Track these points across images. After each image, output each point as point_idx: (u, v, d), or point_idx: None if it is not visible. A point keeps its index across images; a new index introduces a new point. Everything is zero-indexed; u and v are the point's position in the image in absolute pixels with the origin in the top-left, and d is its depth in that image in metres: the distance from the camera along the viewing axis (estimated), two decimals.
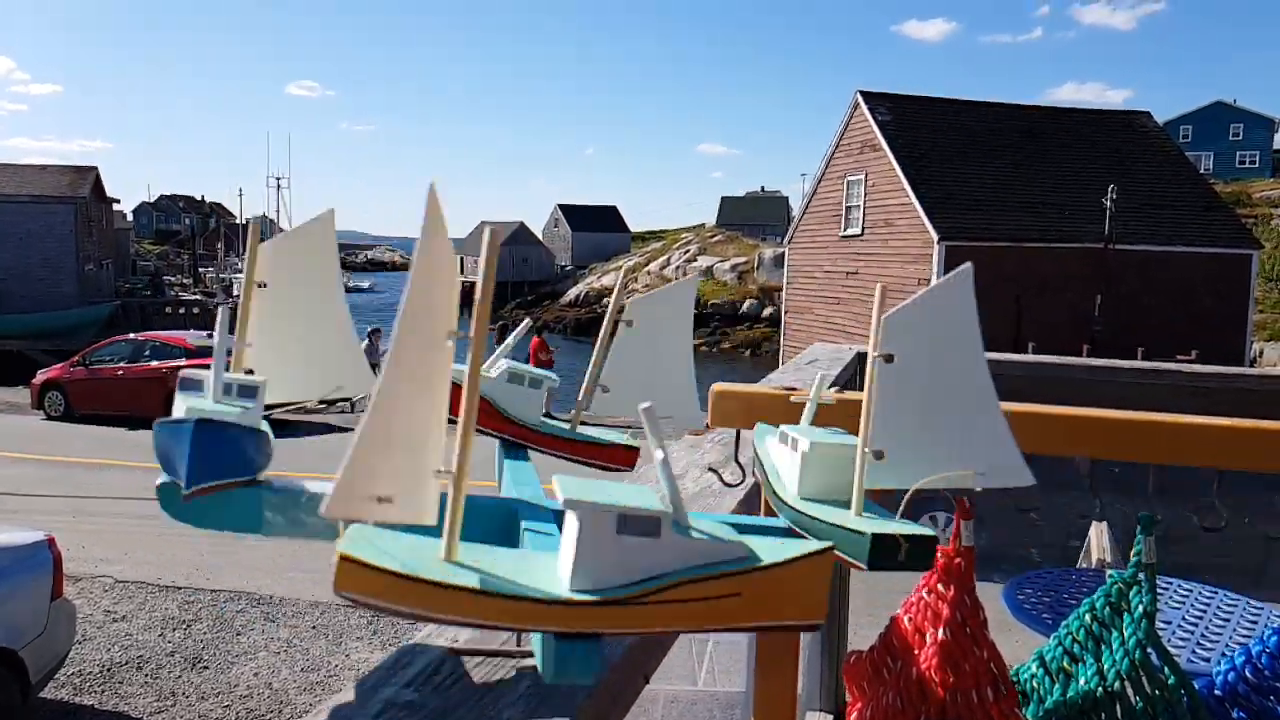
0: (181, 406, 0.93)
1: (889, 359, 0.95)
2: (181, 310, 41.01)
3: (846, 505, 0.90)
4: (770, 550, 0.72)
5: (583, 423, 1.21)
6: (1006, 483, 0.97)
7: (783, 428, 1.03)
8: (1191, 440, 1.36)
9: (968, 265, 0.98)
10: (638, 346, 1.22)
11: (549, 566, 0.69)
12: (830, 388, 1.93)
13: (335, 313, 1.12)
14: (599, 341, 1.21)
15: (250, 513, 0.93)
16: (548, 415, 1.19)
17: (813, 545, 0.73)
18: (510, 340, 1.23)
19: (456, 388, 1.10)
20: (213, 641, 7.18)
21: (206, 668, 6.76)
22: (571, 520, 0.67)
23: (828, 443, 0.95)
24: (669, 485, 0.71)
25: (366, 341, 18.31)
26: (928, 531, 0.82)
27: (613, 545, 0.66)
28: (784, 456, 1.02)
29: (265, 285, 1.05)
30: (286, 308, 1.07)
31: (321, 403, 1.15)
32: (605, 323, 1.22)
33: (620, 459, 1.20)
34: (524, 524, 0.87)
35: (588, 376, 1.22)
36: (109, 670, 6.69)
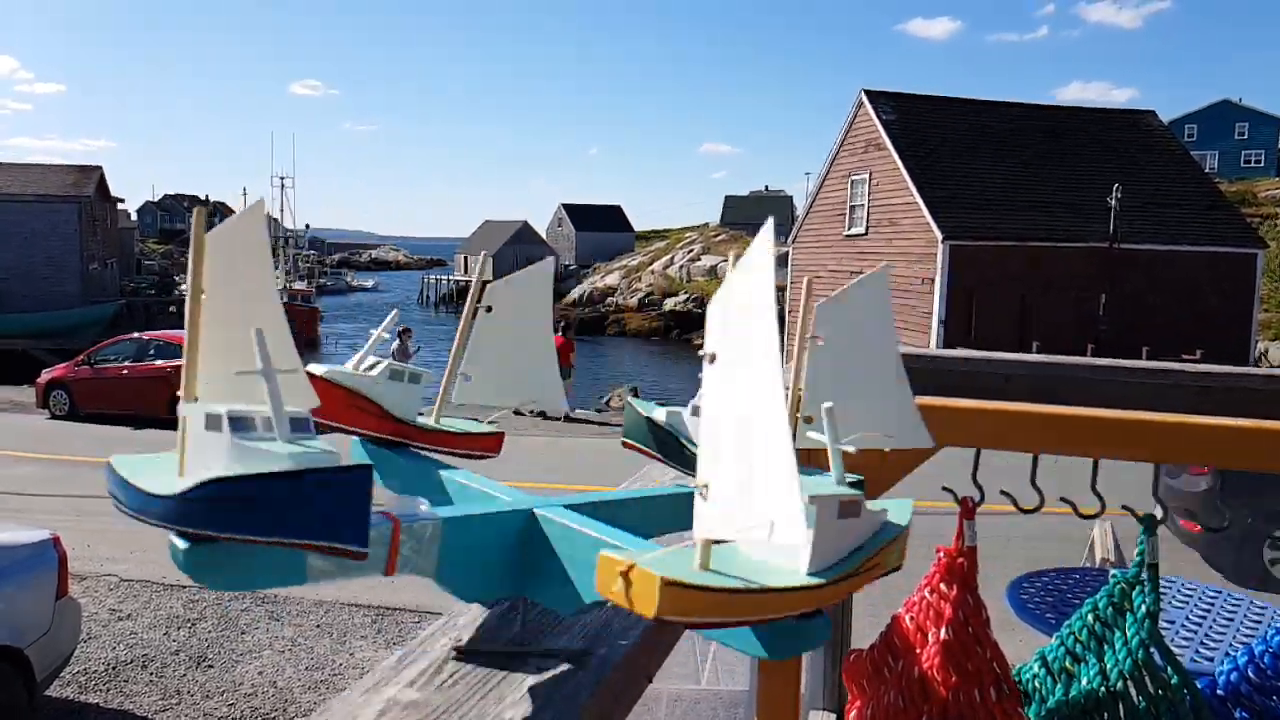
0: (254, 453, 0.76)
1: (818, 340, 1.09)
2: (174, 310, 41.04)
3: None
4: (895, 513, 0.86)
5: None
6: (910, 444, 1.10)
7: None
8: (1199, 441, 1.36)
9: (884, 267, 1.14)
10: (498, 332, 1.23)
11: (767, 558, 0.74)
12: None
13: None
14: (460, 329, 1.20)
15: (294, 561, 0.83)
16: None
17: (908, 507, 0.88)
18: (379, 333, 1.20)
19: (331, 386, 1.12)
20: (217, 640, 7.19)
21: (211, 666, 6.77)
22: (809, 512, 0.71)
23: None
24: (838, 470, 0.84)
25: (397, 341, 18.31)
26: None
27: (836, 529, 0.76)
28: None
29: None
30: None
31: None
32: (465, 310, 1.21)
33: (489, 446, 1.24)
34: (568, 524, 0.88)
35: (449, 366, 1.21)
36: (114, 669, 6.70)
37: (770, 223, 0.77)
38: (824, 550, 0.74)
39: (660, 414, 1.22)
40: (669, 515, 1.08)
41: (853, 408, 1.01)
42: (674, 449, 1.18)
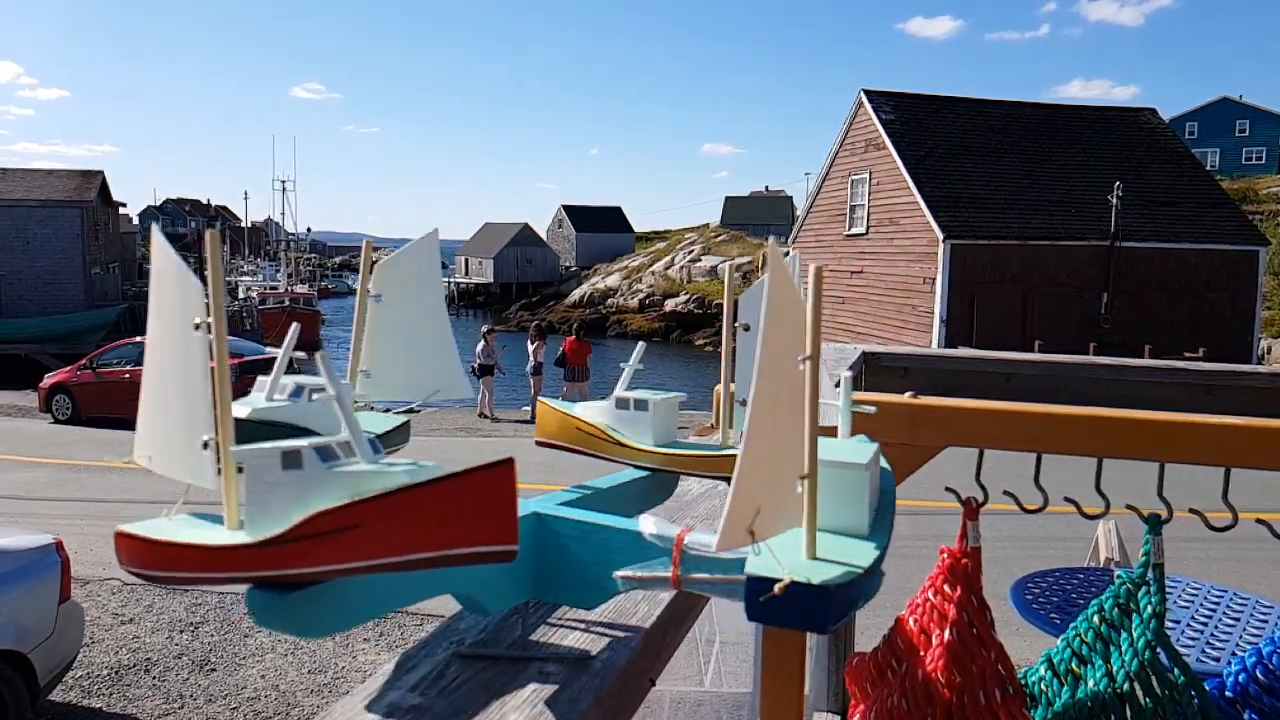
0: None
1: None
2: None
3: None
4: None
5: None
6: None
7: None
8: (1203, 439, 1.35)
9: (792, 255, 1.14)
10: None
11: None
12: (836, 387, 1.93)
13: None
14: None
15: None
16: None
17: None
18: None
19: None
20: (220, 644, 7.19)
21: (214, 670, 6.77)
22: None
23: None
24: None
25: (482, 344, 18.29)
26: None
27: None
28: None
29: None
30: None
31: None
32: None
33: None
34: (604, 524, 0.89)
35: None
36: (117, 673, 6.70)
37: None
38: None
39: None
40: (642, 496, 1.17)
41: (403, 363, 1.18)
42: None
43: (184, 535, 0.72)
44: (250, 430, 0.97)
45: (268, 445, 0.72)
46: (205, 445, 0.78)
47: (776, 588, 0.66)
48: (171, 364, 0.81)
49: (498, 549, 0.67)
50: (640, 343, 1.40)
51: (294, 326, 1.21)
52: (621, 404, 1.20)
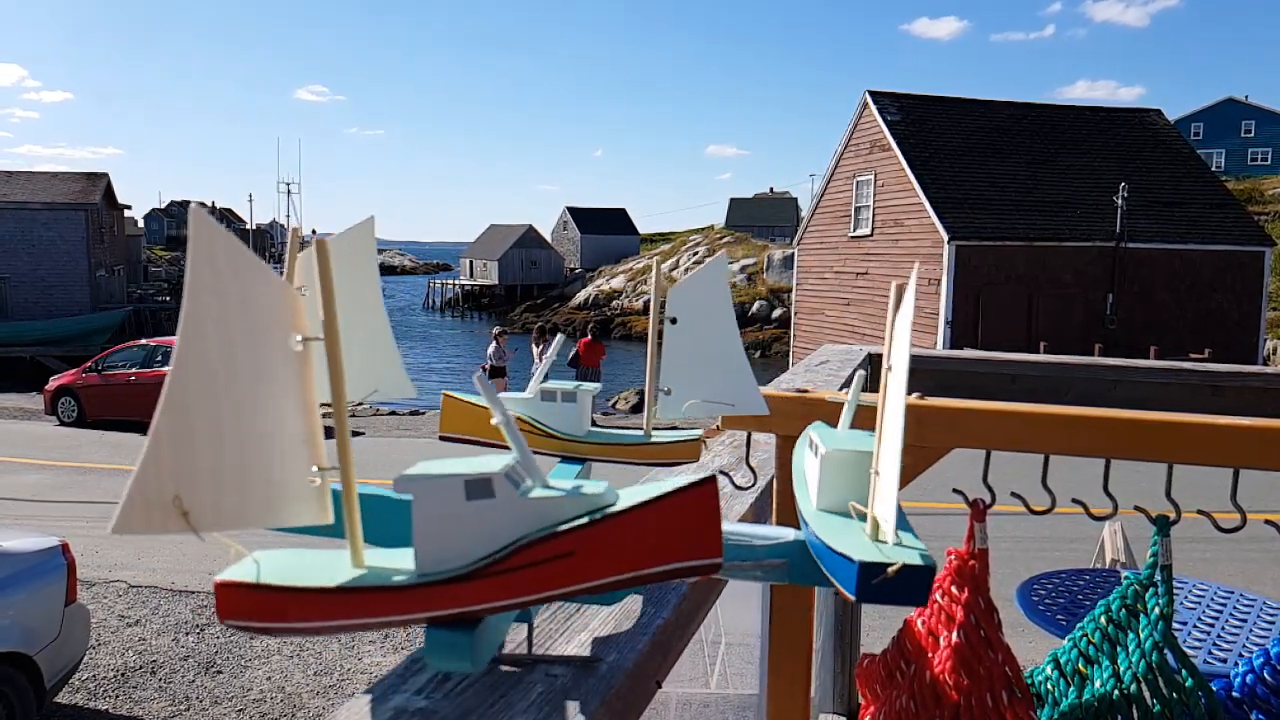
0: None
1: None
2: None
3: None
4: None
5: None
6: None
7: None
8: (1211, 440, 1.35)
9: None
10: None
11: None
12: (840, 389, 1.92)
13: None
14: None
15: None
16: None
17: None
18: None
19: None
20: (226, 646, 7.20)
21: (220, 672, 6.78)
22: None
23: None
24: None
25: (493, 345, 18.30)
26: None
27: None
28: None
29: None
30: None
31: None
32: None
33: None
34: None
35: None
36: (123, 675, 6.71)
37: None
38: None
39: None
40: None
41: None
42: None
43: (321, 578, 0.66)
44: None
45: (441, 473, 0.68)
46: (318, 477, 0.71)
47: (890, 570, 0.71)
48: (266, 390, 0.68)
49: (705, 563, 0.68)
50: (560, 334, 1.40)
51: None
52: (548, 395, 1.19)
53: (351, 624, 0.66)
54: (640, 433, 1.24)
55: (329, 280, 0.67)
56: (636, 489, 0.71)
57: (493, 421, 0.72)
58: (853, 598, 0.73)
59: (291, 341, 0.69)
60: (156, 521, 0.61)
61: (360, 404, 1.12)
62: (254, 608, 0.65)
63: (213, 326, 0.63)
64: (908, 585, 0.71)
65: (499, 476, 0.67)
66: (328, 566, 0.68)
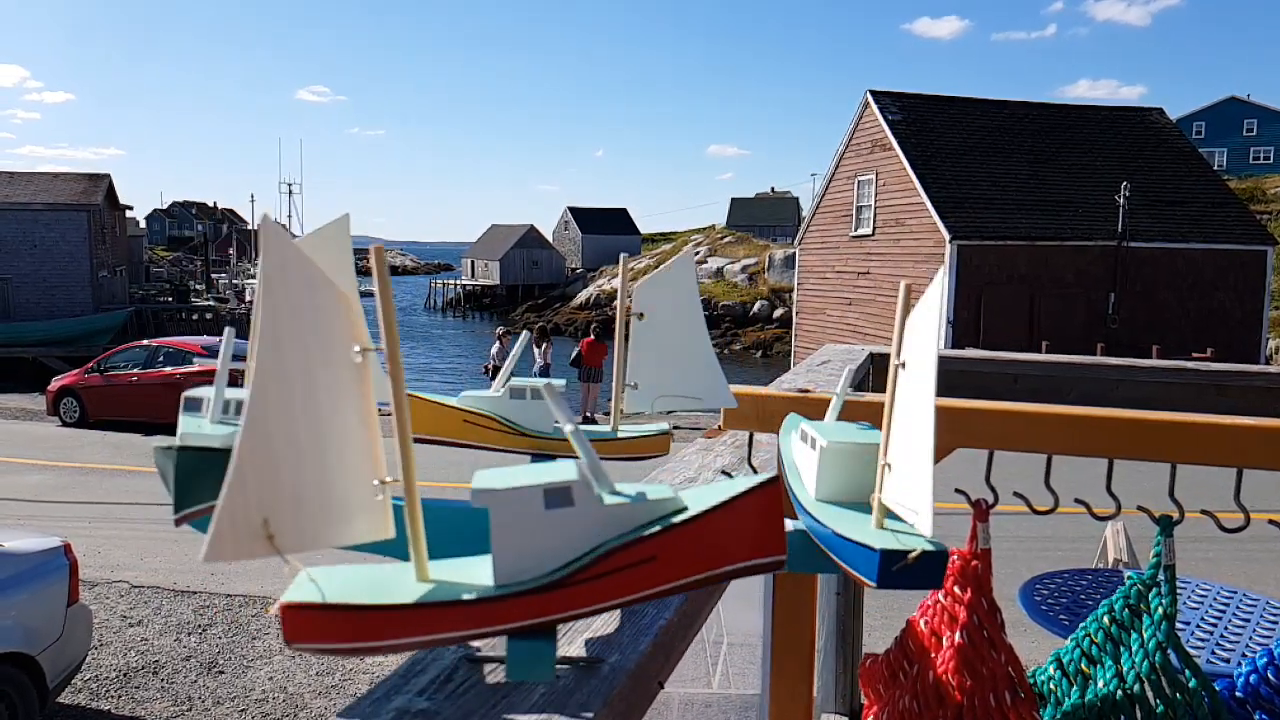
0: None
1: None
2: (195, 316, 41.22)
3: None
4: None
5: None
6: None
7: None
8: (1214, 440, 1.34)
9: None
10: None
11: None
12: None
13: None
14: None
15: None
16: None
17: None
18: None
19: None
20: (228, 646, 7.20)
21: (222, 672, 6.78)
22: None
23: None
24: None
25: (496, 345, 18.28)
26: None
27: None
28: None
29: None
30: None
31: None
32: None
33: None
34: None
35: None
36: (125, 675, 6.71)
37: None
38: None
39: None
40: None
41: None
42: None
43: (392, 594, 0.65)
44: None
45: (520, 483, 0.67)
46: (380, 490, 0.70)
47: (910, 557, 0.74)
48: (336, 404, 0.67)
49: (771, 560, 0.69)
50: (525, 331, 1.40)
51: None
52: (517, 393, 1.19)
53: (430, 640, 0.65)
54: (607, 428, 1.25)
55: (387, 287, 0.65)
56: (700, 491, 0.72)
57: (566, 431, 0.71)
58: (873, 584, 0.75)
59: (353, 353, 0.68)
60: (245, 548, 0.60)
61: None
62: (328, 629, 0.63)
63: (288, 342, 0.62)
64: (924, 570, 0.75)
65: (579, 484, 0.67)
66: (391, 582, 0.66)
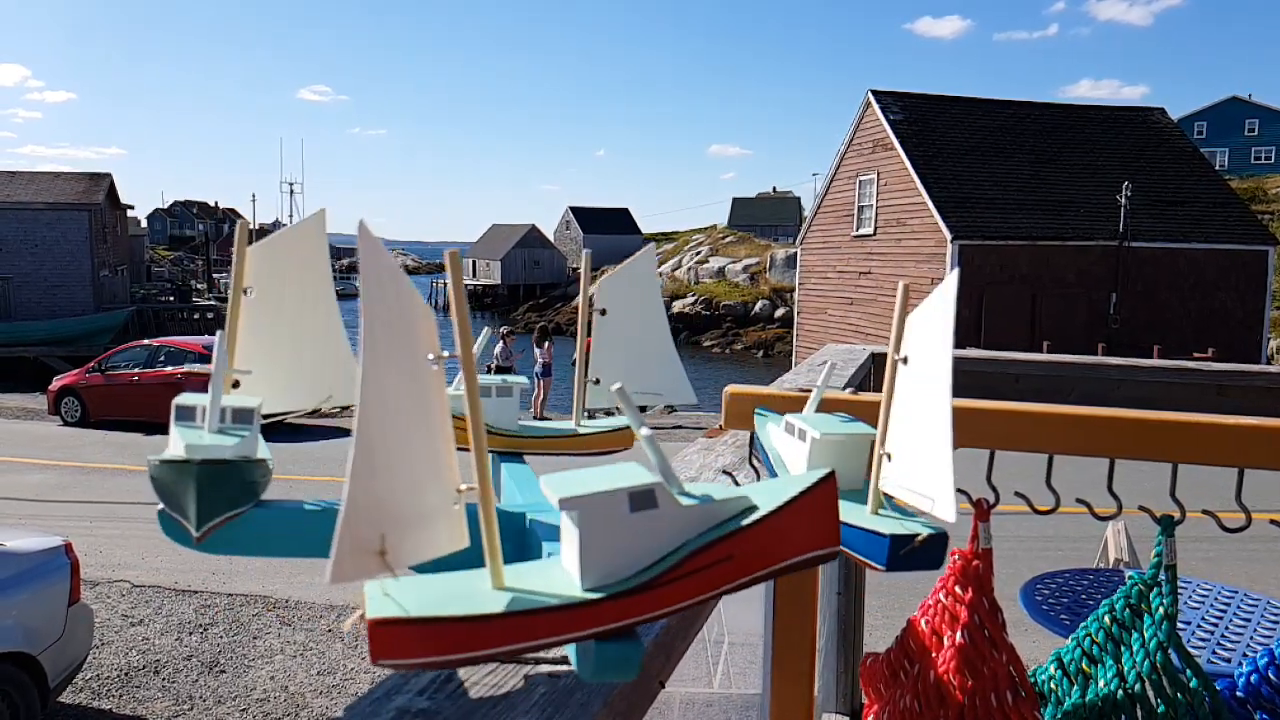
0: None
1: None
2: (196, 316, 41.25)
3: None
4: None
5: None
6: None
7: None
8: (1216, 440, 1.34)
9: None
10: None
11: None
12: (845, 388, 1.92)
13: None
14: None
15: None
16: None
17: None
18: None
19: None
20: (229, 645, 7.20)
21: (223, 671, 6.78)
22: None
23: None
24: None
25: (500, 344, 18.25)
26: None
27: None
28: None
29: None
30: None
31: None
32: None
33: None
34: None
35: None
36: (126, 674, 6.72)
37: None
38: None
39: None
40: None
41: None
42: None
43: (478, 604, 0.63)
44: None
45: (604, 488, 0.66)
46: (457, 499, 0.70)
47: (917, 540, 0.80)
48: (423, 415, 0.67)
49: (828, 551, 0.72)
50: (485, 328, 1.36)
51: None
52: (483, 391, 1.17)
53: (521, 648, 0.64)
54: (570, 425, 1.25)
55: (461, 293, 0.64)
56: (756, 488, 0.74)
57: (641, 435, 0.72)
58: (883, 568, 0.80)
59: (430, 361, 0.68)
60: (364, 567, 0.60)
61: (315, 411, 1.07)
62: (419, 644, 0.61)
63: (387, 355, 0.62)
64: (928, 552, 0.81)
65: (661, 487, 0.67)
66: (470, 591, 0.65)
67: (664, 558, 0.67)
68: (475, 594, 0.64)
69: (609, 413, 1.29)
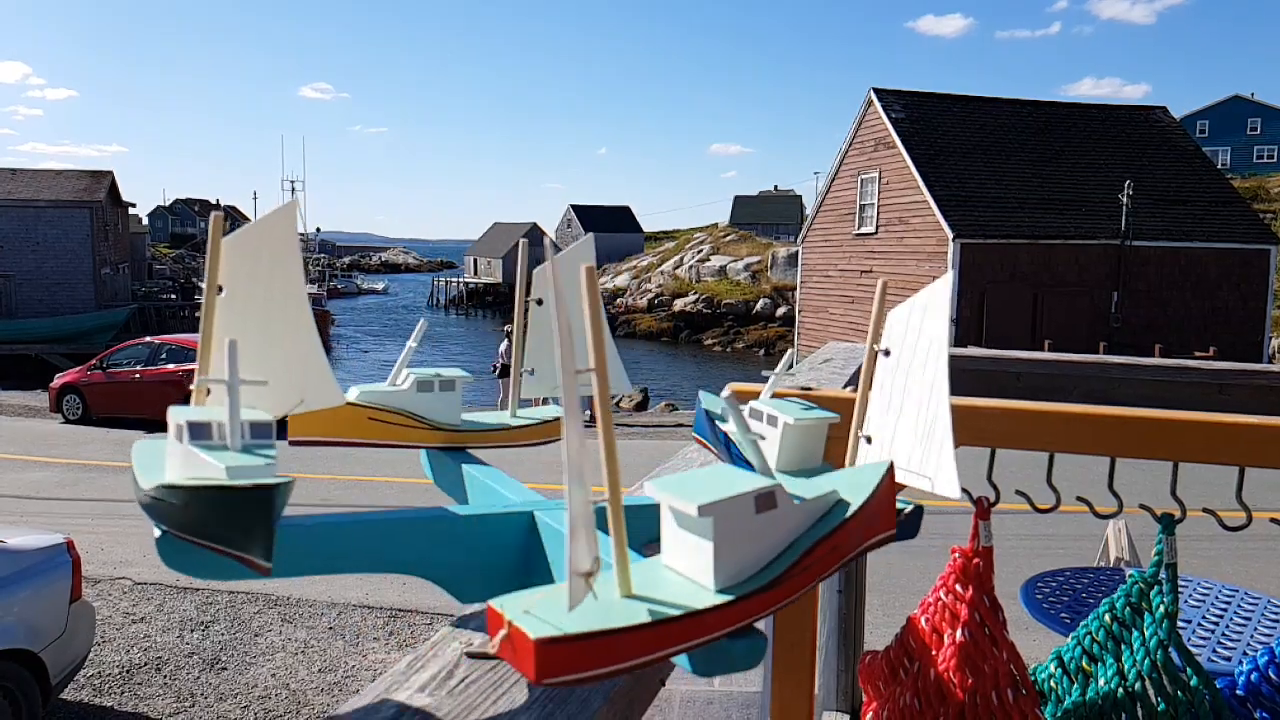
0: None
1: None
2: (198, 314, 41.19)
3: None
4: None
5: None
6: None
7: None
8: (1217, 439, 1.34)
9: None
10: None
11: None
12: (845, 387, 1.92)
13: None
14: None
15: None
16: None
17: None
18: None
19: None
20: (230, 642, 7.21)
21: (225, 669, 6.79)
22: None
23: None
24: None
25: (506, 342, 18.23)
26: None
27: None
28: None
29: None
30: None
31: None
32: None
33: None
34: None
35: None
36: (128, 672, 6.72)
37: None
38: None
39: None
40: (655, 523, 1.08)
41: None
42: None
43: (626, 615, 0.63)
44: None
45: (734, 492, 0.68)
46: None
47: (903, 515, 0.90)
48: (576, 425, 0.67)
49: (888, 535, 0.81)
50: (422, 320, 1.32)
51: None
52: (425, 385, 1.15)
53: (667, 653, 0.65)
54: (505, 417, 1.23)
55: (597, 302, 0.65)
56: (837, 479, 0.82)
57: (744, 438, 0.77)
58: None
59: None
60: (579, 590, 0.61)
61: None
62: (581, 660, 0.61)
63: (570, 371, 0.63)
64: (908, 525, 0.94)
65: (780, 489, 0.71)
66: (604, 601, 0.65)
67: (781, 555, 0.70)
68: (616, 604, 0.65)
69: (545, 403, 1.29)
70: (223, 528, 0.74)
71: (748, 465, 1.08)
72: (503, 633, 0.60)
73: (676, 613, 0.63)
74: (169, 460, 0.81)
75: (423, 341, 1.21)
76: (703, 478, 0.71)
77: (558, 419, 1.22)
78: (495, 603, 0.63)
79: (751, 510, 0.68)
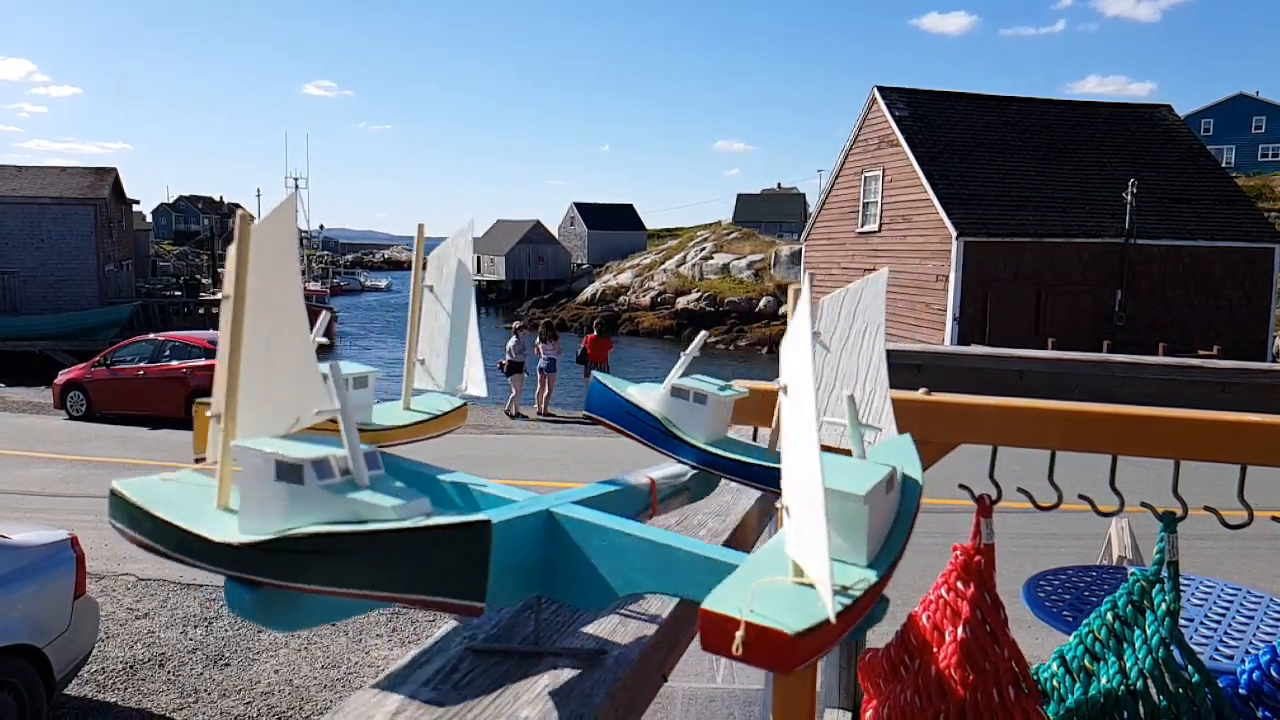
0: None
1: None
2: (201, 310, 41.30)
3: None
4: (906, 464, 0.92)
5: None
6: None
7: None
8: (1218, 437, 1.34)
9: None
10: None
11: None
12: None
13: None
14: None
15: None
16: None
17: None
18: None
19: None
20: (234, 639, 7.22)
21: (228, 665, 6.80)
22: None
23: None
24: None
25: (514, 339, 18.12)
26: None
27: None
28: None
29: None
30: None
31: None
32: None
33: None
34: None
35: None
36: (132, 668, 6.74)
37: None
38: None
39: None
40: (642, 502, 1.13)
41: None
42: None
43: (804, 610, 0.67)
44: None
45: (873, 478, 0.80)
46: None
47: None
48: None
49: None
50: (325, 313, 1.33)
51: (323, 315, 1.18)
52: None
53: (856, 626, 0.71)
54: (409, 411, 1.22)
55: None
56: (883, 455, 0.92)
57: (854, 430, 0.95)
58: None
59: None
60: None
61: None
62: (811, 648, 0.65)
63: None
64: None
65: (895, 470, 0.84)
66: (796, 592, 0.70)
67: (894, 529, 0.81)
68: (806, 595, 0.69)
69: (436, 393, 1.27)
70: (437, 572, 0.66)
71: (665, 445, 1.20)
72: (740, 634, 0.64)
73: (858, 593, 0.70)
74: (267, 506, 0.73)
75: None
76: (833, 467, 0.78)
77: (461, 407, 1.22)
78: (714, 609, 0.65)
79: (884, 491, 0.79)
